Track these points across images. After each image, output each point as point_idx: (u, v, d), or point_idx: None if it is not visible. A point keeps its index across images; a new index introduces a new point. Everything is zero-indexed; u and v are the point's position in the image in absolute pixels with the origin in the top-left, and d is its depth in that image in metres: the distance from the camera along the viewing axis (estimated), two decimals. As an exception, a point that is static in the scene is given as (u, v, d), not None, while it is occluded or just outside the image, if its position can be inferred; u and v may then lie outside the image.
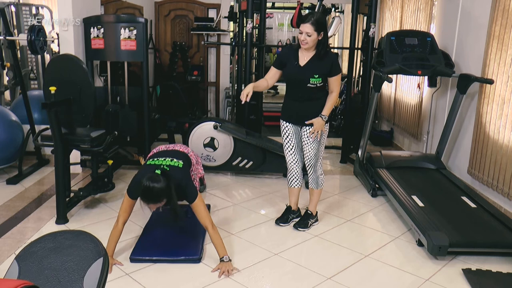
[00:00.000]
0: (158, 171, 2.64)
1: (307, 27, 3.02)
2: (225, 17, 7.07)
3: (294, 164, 3.40)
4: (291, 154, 3.38)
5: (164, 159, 2.95)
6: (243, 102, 3.11)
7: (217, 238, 2.80)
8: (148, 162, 3.01)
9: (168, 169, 2.83)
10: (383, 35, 4.68)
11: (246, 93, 3.08)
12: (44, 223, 3.40)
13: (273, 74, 3.28)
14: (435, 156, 4.50)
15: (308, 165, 3.35)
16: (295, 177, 3.45)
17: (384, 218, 3.70)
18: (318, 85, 3.12)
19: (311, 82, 3.10)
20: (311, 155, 3.29)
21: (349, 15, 7.54)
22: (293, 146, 3.36)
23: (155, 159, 2.98)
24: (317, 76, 3.09)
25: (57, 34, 4.53)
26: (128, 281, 2.64)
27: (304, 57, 3.16)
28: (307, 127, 3.23)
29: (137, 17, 5.25)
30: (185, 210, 3.19)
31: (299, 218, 3.52)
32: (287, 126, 3.34)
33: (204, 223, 2.82)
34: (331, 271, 2.81)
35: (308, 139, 3.25)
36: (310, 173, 3.39)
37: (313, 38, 3.05)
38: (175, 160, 2.96)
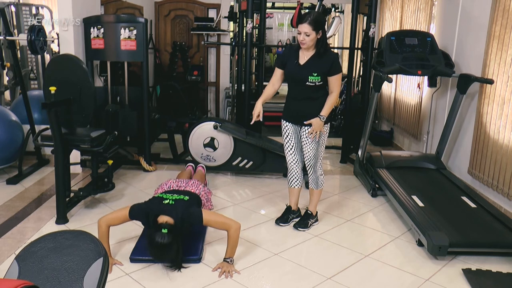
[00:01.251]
0: (165, 230, 2.62)
1: (305, 27, 3.03)
2: (225, 17, 7.07)
3: (294, 164, 3.40)
4: (291, 154, 3.38)
5: (172, 195, 2.99)
6: (252, 123, 3.21)
7: (235, 240, 2.81)
8: (157, 195, 3.07)
9: (173, 203, 2.86)
10: (383, 35, 4.68)
11: (257, 113, 3.18)
12: (44, 223, 3.40)
13: (278, 76, 3.30)
14: (435, 156, 4.50)
15: (308, 165, 3.34)
16: (295, 177, 3.45)
17: (384, 218, 3.70)
18: (317, 83, 3.12)
19: (309, 80, 3.10)
20: (310, 155, 3.29)
21: (349, 15, 7.54)
22: (293, 146, 3.36)
23: (163, 194, 3.04)
24: (316, 74, 3.09)
25: (57, 34, 4.53)
26: (128, 281, 2.64)
27: (304, 56, 3.16)
28: (307, 127, 3.23)
29: (137, 17, 5.24)
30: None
31: (299, 218, 3.52)
32: (287, 126, 3.34)
33: (224, 229, 2.84)
34: (331, 271, 2.81)
35: (307, 139, 3.25)
36: (310, 174, 3.39)
37: (312, 38, 3.05)
38: (181, 196, 3.00)
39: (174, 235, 2.64)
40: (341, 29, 9.02)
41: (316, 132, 3.18)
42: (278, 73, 3.29)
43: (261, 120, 3.22)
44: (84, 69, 3.53)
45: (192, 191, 3.22)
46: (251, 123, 3.25)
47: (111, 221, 2.81)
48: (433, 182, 4.10)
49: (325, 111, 3.17)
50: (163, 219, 2.71)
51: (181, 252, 2.74)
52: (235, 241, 2.81)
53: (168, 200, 2.90)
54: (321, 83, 3.13)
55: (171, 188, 3.29)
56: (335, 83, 3.15)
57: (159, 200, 2.93)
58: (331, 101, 3.17)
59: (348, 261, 2.95)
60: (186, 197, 2.98)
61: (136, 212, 2.82)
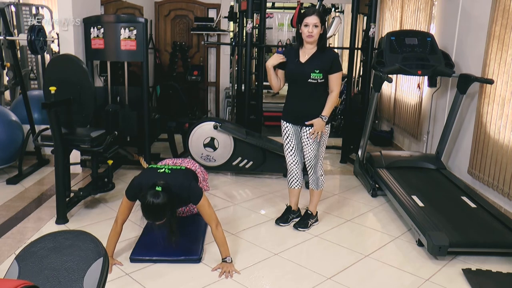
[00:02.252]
0: (159, 188, 2.52)
1: (313, 18, 3.04)
2: (225, 17, 7.07)
3: (294, 165, 3.40)
4: (291, 155, 3.38)
5: (167, 165, 2.92)
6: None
7: (221, 237, 2.78)
8: (150, 166, 2.99)
9: (169, 171, 2.79)
10: (383, 35, 4.68)
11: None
12: (44, 223, 3.40)
13: (279, 74, 3.28)
14: (435, 156, 4.50)
15: (308, 165, 3.34)
16: (295, 178, 3.45)
17: (384, 218, 3.70)
18: (319, 80, 3.11)
19: (312, 77, 3.10)
20: (311, 156, 3.29)
21: (349, 15, 7.54)
22: (293, 147, 3.36)
23: (158, 163, 2.95)
24: (317, 71, 3.09)
25: (57, 34, 4.53)
26: (128, 281, 2.64)
27: (305, 55, 3.17)
28: (307, 128, 3.22)
29: (137, 17, 5.24)
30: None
31: (299, 218, 3.52)
32: (287, 127, 3.33)
33: (208, 222, 2.80)
34: (331, 271, 2.81)
35: (308, 140, 3.24)
36: (311, 174, 3.39)
37: (319, 30, 3.07)
38: (177, 166, 2.94)
39: (169, 194, 2.53)
40: (341, 29, 9.02)
41: (318, 132, 3.18)
42: (278, 73, 3.29)
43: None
44: (84, 69, 3.53)
45: (188, 167, 3.16)
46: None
47: (121, 216, 2.77)
48: (433, 182, 4.10)
49: (326, 111, 3.16)
50: (160, 181, 2.61)
51: (175, 219, 2.64)
52: (222, 239, 2.78)
53: (164, 169, 2.77)
54: (323, 80, 3.13)
55: (167, 164, 3.17)
56: (335, 81, 3.15)
57: (153, 170, 2.80)
58: (332, 100, 3.17)
59: (348, 261, 2.95)
60: (183, 167, 2.91)
61: (131, 191, 2.73)
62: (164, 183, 2.60)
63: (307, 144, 3.26)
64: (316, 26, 3.04)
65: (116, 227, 2.79)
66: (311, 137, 3.20)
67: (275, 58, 3.19)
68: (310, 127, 3.21)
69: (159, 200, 2.51)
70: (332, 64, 3.11)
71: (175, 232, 2.71)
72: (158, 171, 2.81)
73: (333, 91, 3.16)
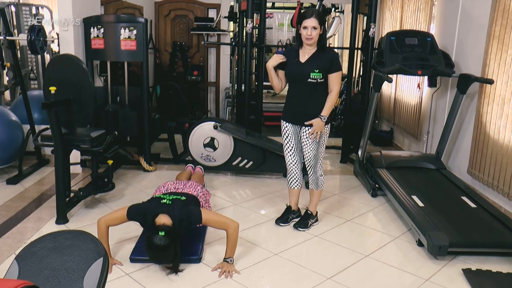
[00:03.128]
0: (162, 233, 2.60)
1: (313, 21, 3.04)
2: (225, 17, 7.07)
3: (294, 165, 3.40)
4: (290, 155, 3.38)
5: (169, 195, 2.98)
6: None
7: (234, 240, 2.80)
8: (155, 196, 3.07)
9: (170, 203, 2.85)
10: (383, 35, 4.68)
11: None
12: (44, 223, 3.40)
13: (279, 74, 3.27)
14: (435, 156, 4.50)
15: (308, 165, 3.34)
16: (295, 178, 3.45)
17: (384, 218, 3.70)
18: (318, 80, 3.11)
19: (311, 77, 3.10)
20: (310, 156, 3.29)
21: (349, 15, 7.54)
22: (292, 147, 3.36)
23: (161, 195, 3.03)
24: (317, 71, 3.09)
25: (57, 34, 4.53)
26: (128, 281, 2.64)
27: (305, 55, 3.17)
28: (307, 128, 3.22)
29: (137, 17, 5.24)
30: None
31: (299, 218, 3.52)
32: (287, 127, 3.33)
33: (224, 229, 2.83)
34: (331, 271, 2.81)
35: (307, 140, 3.24)
36: (310, 174, 3.38)
37: (318, 32, 3.07)
38: (178, 196, 2.99)
39: (172, 237, 2.63)
40: (341, 29, 9.02)
41: (317, 132, 3.18)
42: (279, 73, 3.28)
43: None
44: (84, 69, 3.53)
45: (190, 193, 3.22)
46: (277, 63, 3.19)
47: (110, 222, 2.80)
48: (433, 182, 4.10)
49: (326, 111, 3.16)
50: (161, 220, 2.70)
51: (179, 255, 2.72)
52: (235, 241, 2.81)
53: (166, 200, 2.89)
54: (322, 80, 3.13)
55: (169, 190, 3.28)
56: (334, 81, 3.14)
57: (157, 200, 2.92)
58: (331, 100, 3.17)
59: (348, 261, 2.95)
60: (183, 197, 2.97)
61: (134, 213, 2.81)
62: (166, 226, 2.66)
63: (307, 144, 3.25)
64: (315, 28, 3.04)
65: (101, 230, 2.77)
66: (311, 137, 3.20)
67: (275, 59, 3.19)
68: (309, 127, 3.21)
69: (163, 243, 2.59)
70: (331, 63, 3.11)
71: (178, 267, 2.76)
72: (161, 202, 2.87)
73: (332, 90, 3.16)
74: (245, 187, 4.39)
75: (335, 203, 4.00)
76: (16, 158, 4.47)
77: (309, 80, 3.11)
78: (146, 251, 2.67)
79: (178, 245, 2.69)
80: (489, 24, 3.84)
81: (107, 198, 3.91)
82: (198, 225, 3.23)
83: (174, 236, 2.66)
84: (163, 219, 2.70)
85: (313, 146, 3.25)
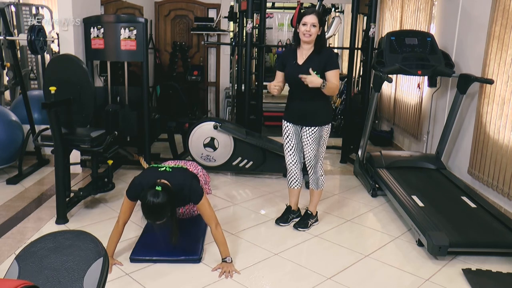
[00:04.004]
0: (158, 188, 2.51)
1: (312, 18, 3.04)
2: (225, 17, 7.07)
3: (293, 165, 3.40)
4: (290, 155, 3.38)
5: (168, 164, 2.92)
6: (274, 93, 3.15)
7: (220, 237, 2.78)
8: (151, 165, 2.99)
9: (170, 170, 2.79)
10: (383, 35, 4.68)
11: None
12: (44, 223, 3.40)
13: (279, 78, 3.27)
14: (435, 156, 4.50)
15: (308, 165, 3.34)
16: (295, 178, 3.45)
17: (384, 218, 3.70)
18: (309, 85, 3.10)
19: None
20: (311, 156, 3.29)
21: (349, 15, 7.54)
22: (292, 147, 3.36)
23: (159, 163, 2.95)
24: (315, 72, 3.08)
25: (57, 34, 4.53)
26: (128, 281, 2.64)
27: (302, 56, 3.17)
28: (307, 128, 3.22)
29: (137, 17, 5.24)
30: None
31: (299, 218, 3.52)
32: (288, 126, 3.34)
33: (208, 222, 2.81)
34: (331, 271, 2.81)
35: (308, 140, 3.24)
36: (311, 174, 3.39)
37: (316, 30, 3.06)
38: (179, 165, 2.94)
39: (169, 195, 2.52)
40: (341, 29, 9.02)
41: (307, 78, 2.99)
42: (279, 75, 3.28)
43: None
44: (84, 69, 3.53)
45: (190, 169, 3.15)
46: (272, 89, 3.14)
47: (122, 217, 2.78)
48: (433, 182, 4.10)
49: (328, 84, 3.02)
50: (160, 180, 2.61)
51: (175, 219, 2.65)
52: (222, 239, 2.78)
53: (164, 168, 2.77)
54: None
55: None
56: (332, 78, 3.10)
57: (153, 169, 2.79)
58: (333, 86, 3.07)
59: (348, 261, 2.95)
60: (184, 167, 2.91)
61: (132, 191, 2.72)
62: (164, 182, 2.60)
63: (307, 144, 3.26)
64: (314, 26, 3.04)
65: (117, 227, 2.79)
66: (304, 79, 3.02)
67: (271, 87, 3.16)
68: (309, 127, 3.21)
69: (159, 199, 2.51)
70: (327, 61, 3.09)
71: (176, 232, 2.71)
72: (159, 169, 2.81)
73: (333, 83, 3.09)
74: (245, 187, 4.39)
75: (335, 203, 4.00)
76: (16, 158, 4.47)
77: None
78: (141, 208, 2.56)
79: (176, 209, 2.60)
80: (489, 24, 3.84)
81: (107, 198, 3.92)
82: (191, 212, 3.19)
83: (171, 195, 2.55)
84: (162, 180, 2.61)
85: (313, 146, 3.25)
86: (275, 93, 3.20)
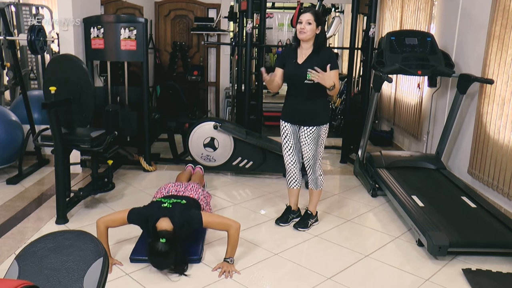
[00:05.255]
0: (163, 240, 2.61)
1: (307, 15, 3.07)
2: (225, 17, 7.07)
3: (292, 165, 3.40)
4: (289, 155, 3.38)
5: (170, 199, 2.98)
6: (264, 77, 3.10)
7: (235, 240, 2.81)
8: (155, 200, 3.07)
9: (171, 206, 2.85)
10: (383, 35, 4.68)
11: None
12: (44, 223, 3.40)
13: (279, 74, 3.27)
14: (435, 156, 4.50)
15: (307, 165, 3.34)
16: (294, 178, 3.45)
17: (384, 218, 3.70)
18: (315, 81, 3.11)
19: (308, 78, 3.08)
20: (309, 155, 3.29)
21: (349, 15, 7.54)
22: (291, 147, 3.36)
23: (162, 198, 3.03)
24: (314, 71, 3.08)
25: (57, 34, 4.53)
26: (128, 281, 2.64)
27: (302, 55, 3.18)
28: (305, 128, 3.22)
29: (137, 17, 5.24)
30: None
31: (299, 218, 3.52)
32: (285, 126, 3.34)
33: (225, 230, 2.84)
34: (331, 271, 2.81)
35: (306, 140, 3.24)
36: (309, 174, 3.38)
37: (312, 28, 3.07)
38: (179, 200, 2.99)
39: (173, 243, 2.64)
40: (341, 29, 9.02)
41: (317, 75, 2.96)
42: (278, 72, 3.28)
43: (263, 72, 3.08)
44: (84, 69, 3.53)
45: (191, 196, 3.22)
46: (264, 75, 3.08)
47: (109, 223, 2.80)
48: (433, 182, 4.10)
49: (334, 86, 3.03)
50: (162, 225, 2.70)
51: (181, 258, 2.73)
52: (236, 241, 2.81)
53: (166, 204, 2.89)
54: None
55: (170, 193, 3.26)
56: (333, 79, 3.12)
57: (158, 204, 2.92)
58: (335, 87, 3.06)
59: (348, 261, 2.95)
60: (184, 201, 2.97)
61: (134, 217, 2.81)
62: (167, 231, 2.67)
63: (306, 143, 3.26)
64: (309, 23, 3.06)
65: (100, 230, 2.77)
66: (312, 74, 3.00)
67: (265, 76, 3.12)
68: (308, 127, 3.20)
69: (164, 250, 2.60)
70: (327, 62, 3.09)
71: (181, 269, 2.75)
72: (162, 206, 2.87)
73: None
74: (245, 187, 4.39)
75: (335, 203, 4.00)
76: (16, 158, 4.47)
77: (306, 81, 3.11)
78: (148, 258, 2.68)
79: (180, 250, 2.70)
80: (489, 24, 3.84)
81: (107, 198, 3.91)
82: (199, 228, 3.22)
83: (175, 241, 2.67)
84: (164, 224, 2.71)
85: (311, 146, 3.25)
86: (270, 85, 3.18)
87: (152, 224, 2.72)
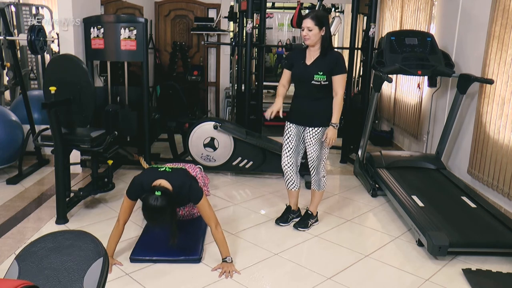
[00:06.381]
0: (158, 193, 2.56)
1: (307, 22, 3.09)
2: (225, 17, 7.07)
3: (289, 167, 3.40)
4: (287, 157, 3.38)
5: (168, 166, 2.94)
6: (271, 117, 3.19)
7: (220, 238, 2.79)
8: (151, 166, 3.01)
9: (170, 170, 2.81)
10: (383, 35, 4.68)
11: (278, 109, 3.19)
12: (44, 223, 3.40)
13: (287, 77, 3.32)
14: (435, 156, 4.50)
15: (311, 166, 3.35)
16: (292, 180, 3.45)
17: (384, 218, 3.70)
18: (322, 82, 3.13)
19: (315, 79, 3.11)
20: (313, 157, 3.29)
21: (349, 15, 7.53)
22: (291, 149, 3.36)
23: (159, 163, 2.98)
24: (321, 73, 3.11)
25: (57, 34, 4.53)
26: (128, 281, 2.64)
27: (311, 57, 3.21)
28: (311, 128, 3.23)
29: (137, 17, 5.25)
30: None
31: (299, 218, 3.52)
32: (290, 128, 3.34)
33: (208, 222, 2.82)
34: (331, 271, 2.81)
35: (311, 140, 3.25)
36: (313, 175, 3.39)
37: (315, 33, 3.09)
38: (178, 166, 2.96)
39: (168, 199, 2.57)
40: (341, 29, 9.02)
41: (331, 139, 3.18)
42: (286, 74, 3.32)
43: (281, 116, 3.22)
44: (84, 69, 3.53)
45: (189, 171, 3.19)
46: (270, 117, 3.19)
47: (122, 216, 2.79)
48: (433, 182, 4.10)
49: (335, 118, 3.16)
50: (159, 182, 2.66)
51: (175, 220, 2.68)
52: (222, 239, 2.79)
53: (164, 168, 2.82)
54: (327, 82, 3.14)
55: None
56: (339, 83, 3.15)
57: (153, 169, 2.84)
58: (338, 105, 3.15)
59: (348, 261, 2.95)
60: (183, 167, 2.94)
61: (132, 190, 2.76)
62: (163, 186, 2.63)
63: (310, 144, 3.26)
64: (310, 30, 3.09)
65: (118, 227, 2.80)
66: (325, 144, 3.22)
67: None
68: (313, 128, 3.21)
69: (159, 204, 2.55)
70: (335, 65, 3.13)
71: (175, 233, 2.72)
72: (159, 169, 2.83)
73: (337, 93, 3.15)
74: (245, 187, 4.39)
75: (335, 203, 4.00)
76: (16, 158, 4.47)
77: (313, 82, 3.13)
78: (142, 211, 2.62)
79: (175, 214, 2.64)
80: (489, 24, 3.84)
81: (107, 198, 3.91)
82: (191, 214, 3.21)
83: (171, 199, 2.60)
84: (162, 182, 2.66)
85: (316, 147, 3.25)
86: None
87: (148, 184, 2.64)
